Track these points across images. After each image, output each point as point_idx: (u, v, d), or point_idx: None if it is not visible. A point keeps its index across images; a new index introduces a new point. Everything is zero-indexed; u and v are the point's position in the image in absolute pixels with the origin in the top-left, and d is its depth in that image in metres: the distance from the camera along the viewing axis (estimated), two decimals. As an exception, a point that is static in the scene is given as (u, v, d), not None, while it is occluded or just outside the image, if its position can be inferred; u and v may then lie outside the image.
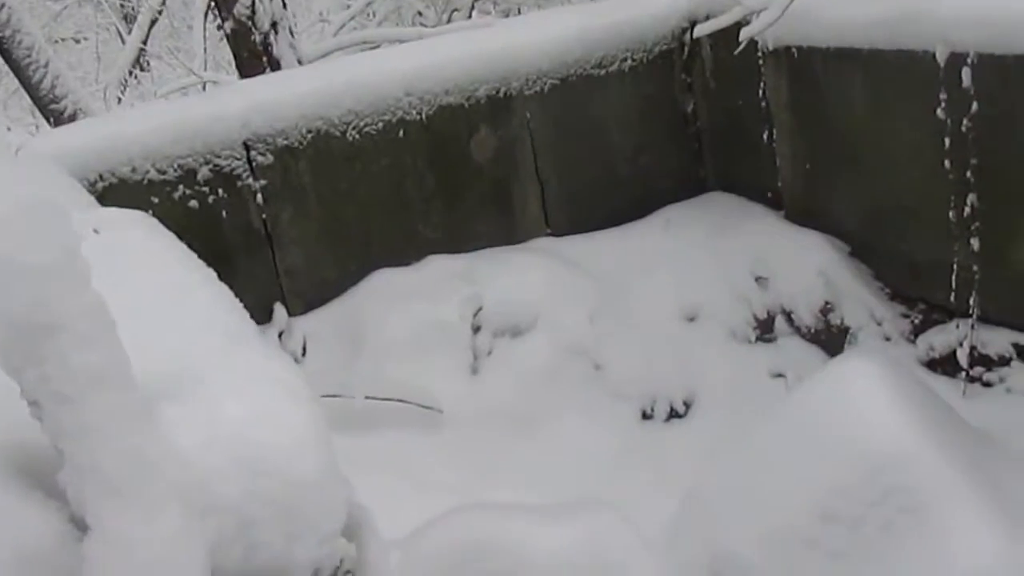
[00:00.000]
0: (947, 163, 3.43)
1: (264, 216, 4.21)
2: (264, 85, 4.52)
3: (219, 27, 6.56)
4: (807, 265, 4.12)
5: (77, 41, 13.40)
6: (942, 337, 3.72)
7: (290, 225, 4.25)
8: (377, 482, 3.25)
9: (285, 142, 4.17)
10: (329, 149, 4.24)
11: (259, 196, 4.18)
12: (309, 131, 4.19)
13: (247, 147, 4.14)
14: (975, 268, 3.49)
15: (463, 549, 2.67)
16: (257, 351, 1.57)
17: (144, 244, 2.14)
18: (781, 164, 4.39)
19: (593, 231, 4.65)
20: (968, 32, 3.26)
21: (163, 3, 10.53)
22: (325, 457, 1.39)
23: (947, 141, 3.40)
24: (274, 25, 6.15)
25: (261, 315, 4.17)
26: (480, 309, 4.19)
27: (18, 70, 7.18)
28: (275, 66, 6.10)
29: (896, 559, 2.63)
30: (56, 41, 12.42)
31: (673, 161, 4.83)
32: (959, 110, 3.33)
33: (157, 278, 1.86)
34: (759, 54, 4.25)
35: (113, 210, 2.64)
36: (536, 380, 4.06)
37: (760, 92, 4.35)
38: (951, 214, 3.50)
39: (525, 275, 4.31)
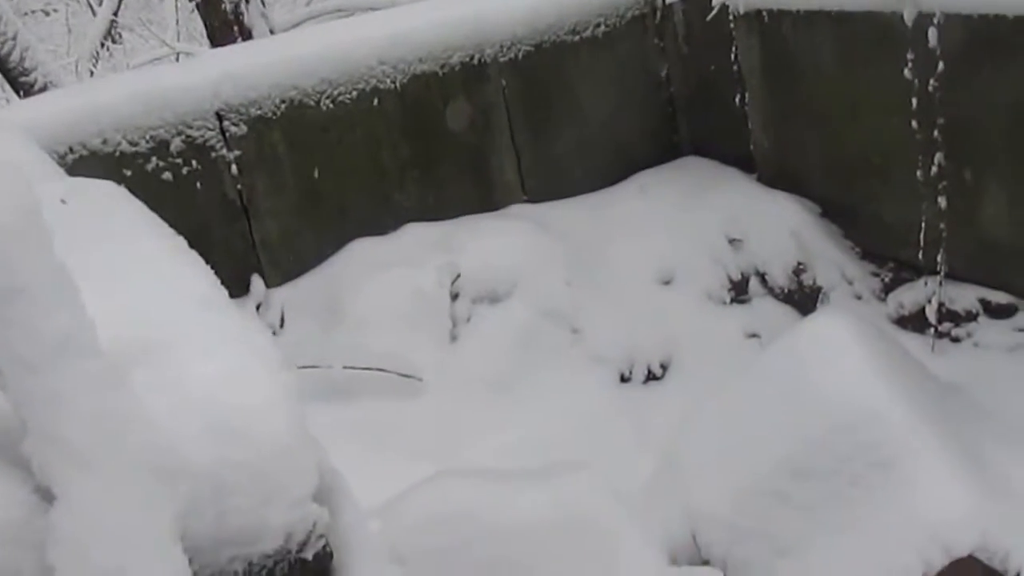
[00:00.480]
0: (915, 123, 3.47)
1: (239, 187, 4.20)
2: (235, 55, 4.48)
3: (190, -3, 6.49)
4: (780, 227, 4.16)
5: (47, 13, 13.16)
6: (911, 294, 3.79)
7: (266, 196, 4.24)
8: (357, 450, 3.29)
9: (258, 112, 4.15)
10: (303, 119, 4.22)
11: (233, 167, 4.16)
12: (282, 101, 4.18)
13: (220, 117, 4.12)
14: (942, 226, 3.54)
15: (443, 515, 2.70)
16: (227, 317, 1.56)
17: (112, 213, 2.11)
18: (753, 127, 4.42)
19: (569, 197, 4.67)
20: (935, -8, 3.29)
21: (133, -27, 10.36)
22: (295, 421, 1.37)
23: (914, 101, 3.44)
24: (245, -6, 6.09)
25: (239, 287, 4.17)
26: (458, 276, 4.20)
27: (-14, 43, 7.06)
28: (247, 36, 6.05)
29: (866, 512, 2.69)
30: (25, 14, 12.20)
31: (647, 126, 4.84)
32: (926, 70, 3.36)
33: (125, 246, 1.83)
34: (730, 18, 4.26)
35: (80, 180, 2.60)
36: (515, 346, 4.09)
37: (732, 56, 4.36)
38: (919, 173, 3.55)
39: (502, 242, 4.32)
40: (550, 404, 3.89)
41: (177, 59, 7.75)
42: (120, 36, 11.27)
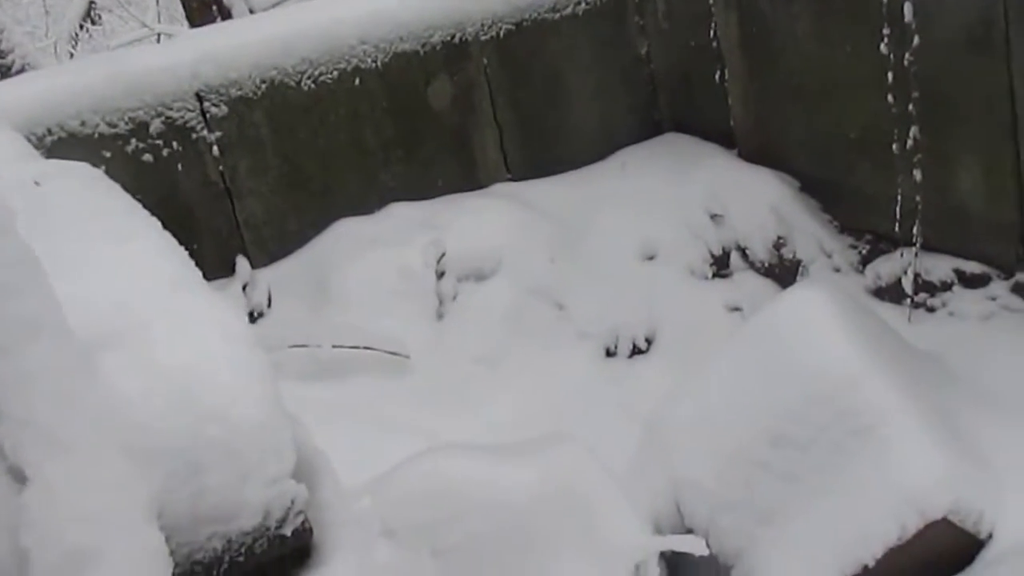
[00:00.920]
0: (891, 97, 3.51)
1: (221, 168, 4.20)
2: (215, 35, 4.45)
3: (168, -23, 6.44)
4: (760, 202, 4.21)
5: (22, -5, 12.98)
6: (888, 266, 3.86)
7: (248, 177, 4.25)
8: (347, 428, 3.32)
9: (239, 93, 4.15)
10: (285, 99, 4.22)
11: (215, 148, 4.16)
12: (263, 81, 4.17)
13: (200, 98, 4.11)
14: (918, 198, 3.60)
15: (432, 489, 2.73)
16: (200, 297, 1.55)
17: (86, 194, 2.09)
18: (733, 103, 4.45)
19: (552, 175, 4.70)
20: (910, -33, 3.32)
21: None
22: (269, 399, 1.37)
23: (890, 75, 3.48)
24: (224, -26, 6.05)
25: (225, 268, 4.19)
26: (443, 255, 4.23)
27: (-39, 26, 7.00)
28: (226, 15, 6.01)
29: (845, 479, 2.76)
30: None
31: (628, 103, 4.87)
32: (901, 45, 3.41)
33: (99, 227, 1.83)
34: (710, -7, 4.29)
35: (55, 162, 2.57)
36: (501, 323, 4.13)
37: (711, 32, 4.39)
38: (895, 147, 3.60)
39: (486, 220, 4.35)
40: (536, 380, 3.94)
41: (158, 40, 7.70)
42: (99, 17, 11.15)
